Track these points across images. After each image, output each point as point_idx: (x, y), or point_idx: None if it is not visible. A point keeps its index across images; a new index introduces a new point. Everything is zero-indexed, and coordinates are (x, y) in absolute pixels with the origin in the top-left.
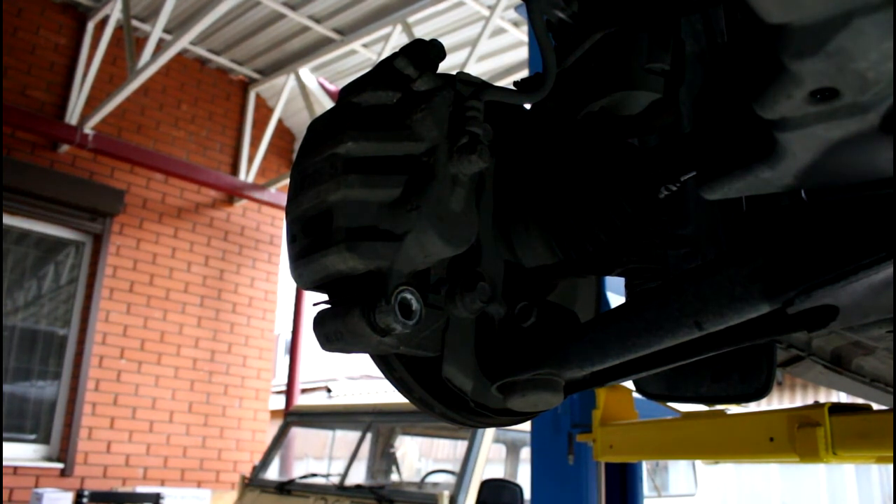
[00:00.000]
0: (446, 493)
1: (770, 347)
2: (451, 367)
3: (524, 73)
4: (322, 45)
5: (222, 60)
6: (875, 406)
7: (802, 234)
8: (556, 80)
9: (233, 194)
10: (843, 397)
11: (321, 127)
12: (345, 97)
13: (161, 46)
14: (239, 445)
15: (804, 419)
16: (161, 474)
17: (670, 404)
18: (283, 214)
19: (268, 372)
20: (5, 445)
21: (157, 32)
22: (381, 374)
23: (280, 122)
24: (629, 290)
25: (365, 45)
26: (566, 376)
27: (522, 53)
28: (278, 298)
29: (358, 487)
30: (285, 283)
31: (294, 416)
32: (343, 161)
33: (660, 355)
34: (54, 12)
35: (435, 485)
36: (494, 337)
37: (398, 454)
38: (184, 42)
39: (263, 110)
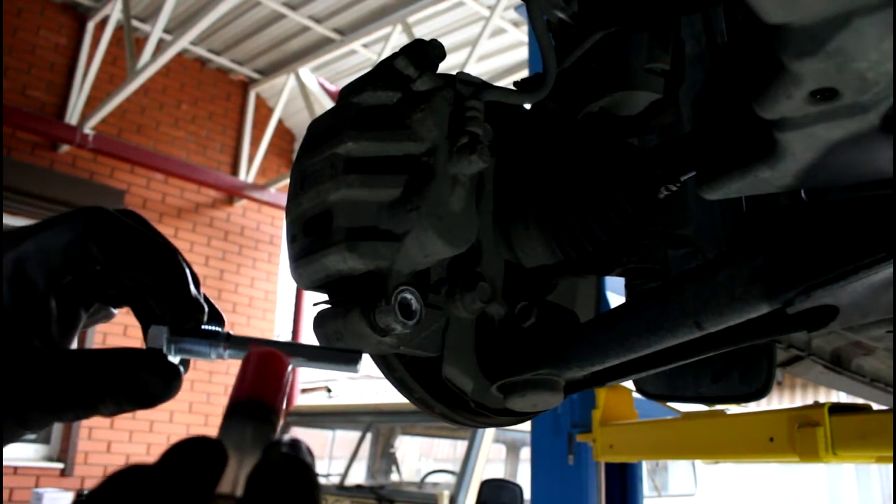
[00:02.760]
0: (446, 493)
1: (770, 347)
2: (452, 367)
3: (524, 73)
4: (322, 45)
5: (222, 60)
6: (875, 406)
7: (802, 234)
8: (556, 80)
9: (233, 194)
10: (843, 397)
11: (321, 127)
12: (345, 97)
13: (161, 46)
14: None
15: (804, 419)
16: None
17: (670, 404)
18: (283, 214)
19: None
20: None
21: (157, 32)
22: (381, 374)
23: (280, 122)
24: (629, 290)
25: (365, 45)
26: (566, 376)
27: (522, 53)
28: (278, 298)
29: (358, 487)
30: (285, 283)
31: (294, 416)
32: (343, 161)
33: (660, 355)
34: (54, 12)
35: (435, 485)
36: (494, 337)
37: (398, 454)
38: (184, 42)
39: (263, 110)
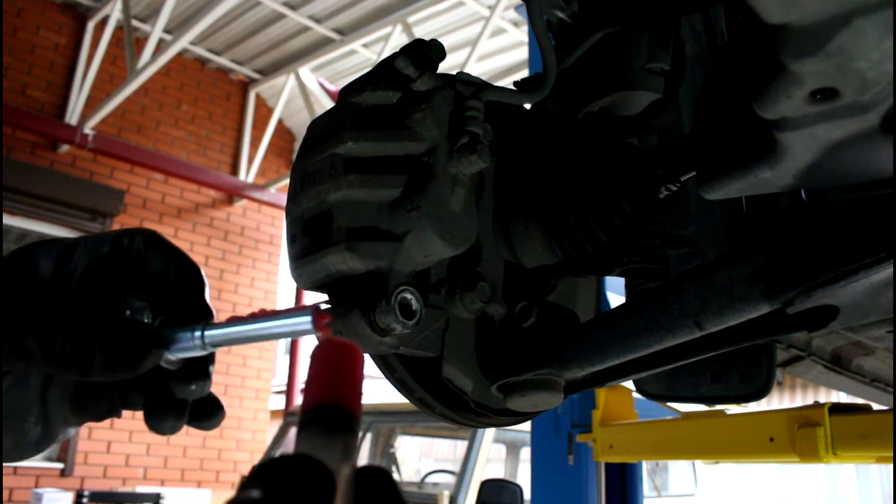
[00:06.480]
0: (446, 493)
1: (770, 347)
2: (452, 367)
3: (524, 73)
4: (322, 45)
5: (222, 60)
6: (875, 406)
7: (802, 234)
8: (556, 80)
9: (233, 194)
10: (843, 397)
11: (321, 127)
12: (345, 97)
13: (161, 46)
14: (239, 445)
15: (804, 419)
16: (161, 474)
17: (670, 404)
18: (283, 214)
19: (268, 372)
20: None
21: (157, 32)
22: (381, 374)
23: (280, 122)
24: (629, 290)
25: (365, 45)
26: (566, 376)
27: (522, 53)
28: (278, 298)
29: None
30: (285, 283)
31: (294, 416)
32: (343, 161)
33: (660, 355)
34: (54, 12)
35: (435, 485)
36: (494, 337)
37: (398, 454)
38: (184, 42)
39: (263, 110)
